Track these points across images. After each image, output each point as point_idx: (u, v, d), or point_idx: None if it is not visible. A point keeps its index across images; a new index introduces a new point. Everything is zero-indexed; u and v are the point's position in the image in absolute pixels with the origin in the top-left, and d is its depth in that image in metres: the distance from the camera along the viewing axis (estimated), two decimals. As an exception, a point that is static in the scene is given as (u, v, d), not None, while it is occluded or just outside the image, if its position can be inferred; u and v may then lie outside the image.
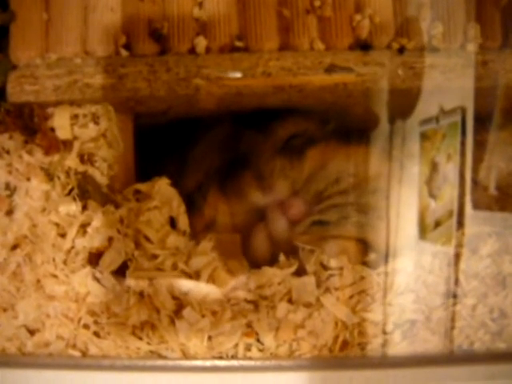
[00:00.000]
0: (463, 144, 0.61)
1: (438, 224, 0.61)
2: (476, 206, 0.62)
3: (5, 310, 0.57)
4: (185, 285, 0.56)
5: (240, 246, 0.62)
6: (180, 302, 0.56)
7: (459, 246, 0.59)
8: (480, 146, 0.65)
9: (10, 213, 0.57)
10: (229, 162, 0.66)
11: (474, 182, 0.64)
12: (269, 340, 0.56)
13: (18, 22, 0.58)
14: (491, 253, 0.58)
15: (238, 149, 0.65)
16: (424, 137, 0.62)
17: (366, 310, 0.57)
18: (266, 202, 0.62)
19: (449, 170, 0.61)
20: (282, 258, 0.58)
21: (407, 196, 0.62)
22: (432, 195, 0.61)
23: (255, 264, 0.59)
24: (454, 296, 0.58)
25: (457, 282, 0.58)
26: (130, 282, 0.56)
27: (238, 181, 0.63)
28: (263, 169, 0.63)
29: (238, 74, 0.57)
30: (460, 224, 0.60)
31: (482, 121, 0.63)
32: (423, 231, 0.61)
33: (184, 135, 0.67)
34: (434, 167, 0.61)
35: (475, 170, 0.65)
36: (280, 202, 0.62)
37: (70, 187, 0.58)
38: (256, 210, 0.63)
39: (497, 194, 0.66)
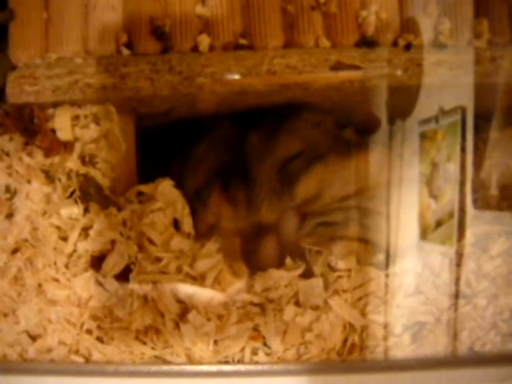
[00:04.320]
0: (465, 142, 0.60)
1: (439, 224, 0.60)
2: (482, 205, 0.61)
3: (5, 315, 0.56)
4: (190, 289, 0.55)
5: (239, 250, 0.61)
6: (185, 306, 0.55)
7: (468, 245, 0.58)
8: (486, 143, 0.64)
9: (10, 216, 0.56)
10: (230, 164, 0.64)
11: (480, 181, 0.64)
12: (276, 344, 0.55)
13: (17, 21, 0.57)
14: (501, 252, 0.57)
15: (240, 152, 0.64)
16: (424, 137, 0.61)
17: (374, 312, 0.56)
18: (248, 223, 0.62)
19: (451, 169, 0.60)
20: (288, 260, 0.57)
21: (413, 196, 0.61)
22: (432, 195, 0.60)
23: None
24: (464, 297, 0.57)
25: (467, 282, 0.57)
26: (134, 285, 0.55)
27: (232, 190, 0.63)
28: (257, 188, 0.62)
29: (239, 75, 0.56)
30: (464, 224, 0.59)
31: (490, 118, 0.62)
32: (424, 232, 0.60)
33: (186, 136, 0.66)
34: (435, 167, 0.61)
35: (481, 169, 0.64)
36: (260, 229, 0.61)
37: (71, 189, 0.57)
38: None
39: (504, 192, 0.65)
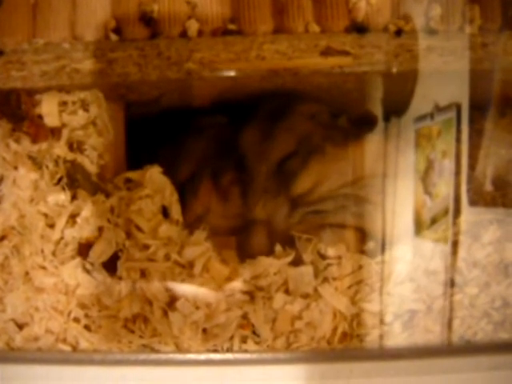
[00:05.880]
0: (460, 137, 0.60)
1: (433, 221, 0.59)
2: (476, 201, 0.61)
3: (-8, 303, 0.55)
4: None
5: (229, 238, 0.60)
6: (173, 294, 0.55)
7: (459, 233, 0.57)
8: (479, 135, 0.64)
9: (-4, 203, 0.56)
10: (222, 155, 0.64)
11: (474, 176, 0.63)
12: (265, 332, 0.55)
13: (4, 7, 0.56)
14: (493, 240, 0.57)
15: (232, 143, 0.64)
16: (419, 134, 0.61)
17: (365, 301, 0.55)
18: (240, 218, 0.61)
19: (446, 166, 0.60)
20: (278, 247, 0.57)
21: (406, 185, 0.61)
22: (427, 192, 0.60)
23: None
24: (455, 285, 0.56)
25: (458, 270, 0.56)
26: (122, 273, 0.54)
27: (225, 184, 0.62)
28: (253, 188, 0.61)
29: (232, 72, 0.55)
30: (459, 210, 0.58)
31: (483, 107, 0.61)
32: (419, 228, 0.59)
33: (176, 125, 0.65)
34: (430, 163, 0.60)
35: (474, 160, 0.63)
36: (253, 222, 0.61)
37: (58, 176, 0.56)
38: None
39: (497, 182, 0.65)
